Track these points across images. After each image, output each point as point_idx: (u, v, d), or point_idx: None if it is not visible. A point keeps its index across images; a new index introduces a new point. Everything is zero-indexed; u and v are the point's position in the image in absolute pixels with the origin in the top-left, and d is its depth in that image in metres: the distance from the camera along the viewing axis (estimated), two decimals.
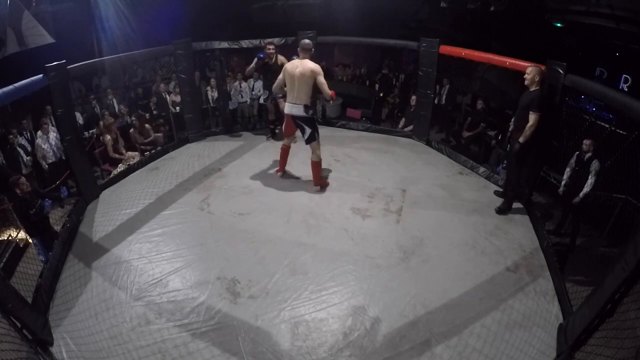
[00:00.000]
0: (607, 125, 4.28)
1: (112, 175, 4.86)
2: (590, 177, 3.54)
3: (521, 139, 3.69)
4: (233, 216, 3.92)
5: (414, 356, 2.50)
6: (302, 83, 3.90)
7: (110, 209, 4.13)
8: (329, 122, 6.43)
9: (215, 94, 6.51)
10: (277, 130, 5.81)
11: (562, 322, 2.71)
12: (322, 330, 2.66)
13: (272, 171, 4.80)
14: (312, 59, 3.96)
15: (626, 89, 5.82)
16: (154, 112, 6.47)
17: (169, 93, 6.56)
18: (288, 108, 4.06)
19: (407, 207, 4.07)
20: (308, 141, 4.14)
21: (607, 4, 5.44)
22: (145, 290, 3.01)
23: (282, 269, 3.20)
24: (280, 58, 5.08)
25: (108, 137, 5.37)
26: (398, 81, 7.58)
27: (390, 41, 5.89)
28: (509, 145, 4.07)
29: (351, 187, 4.44)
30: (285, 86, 4.09)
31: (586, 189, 3.54)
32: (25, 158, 4.81)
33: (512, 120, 4.12)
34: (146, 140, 5.75)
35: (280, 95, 5.18)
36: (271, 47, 5.06)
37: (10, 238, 3.87)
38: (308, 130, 4.08)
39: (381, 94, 7.22)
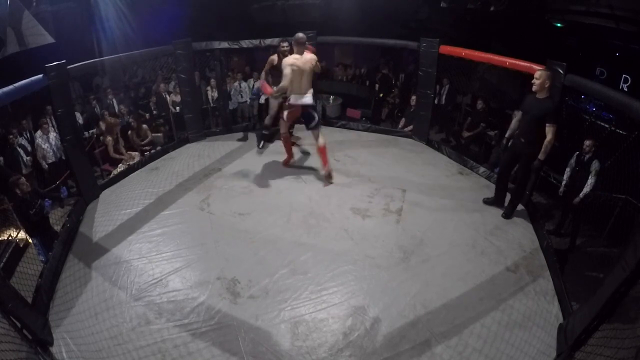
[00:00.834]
0: (607, 125, 4.29)
1: (112, 175, 4.86)
2: (590, 177, 3.54)
3: (542, 156, 3.46)
4: (233, 216, 3.92)
5: (414, 356, 2.50)
6: (309, 75, 4.15)
7: (110, 209, 4.13)
8: (329, 122, 6.42)
9: (215, 94, 6.52)
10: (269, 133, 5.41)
11: (562, 322, 2.70)
12: (322, 330, 2.66)
13: (272, 171, 4.79)
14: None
15: (626, 89, 5.82)
16: (154, 112, 6.48)
17: (169, 93, 6.57)
18: (300, 99, 4.20)
19: (407, 207, 4.07)
20: (317, 126, 4.35)
21: (607, 4, 5.44)
22: (145, 290, 3.01)
23: (282, 269, 3.20)
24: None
25: (109, 137, 5.37)
26: (399, 81, 7.58)
27: (390, 41, 5.89)
28: (506, 154, 3.92)
29: (351, 187, 4.44)
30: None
31: (586, 189, 3.54)
32: (25, 158, 4.81)
33: (513, 127, 3.88)
34: (143, 143, 5.73)
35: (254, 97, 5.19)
36: (285, 44, 4.78)
37: (10, 238, 3.87)
38: (316, 116, 4.34)
39: (381, 94, 7.23)
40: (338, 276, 3.13)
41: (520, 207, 4.08)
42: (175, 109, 6.33)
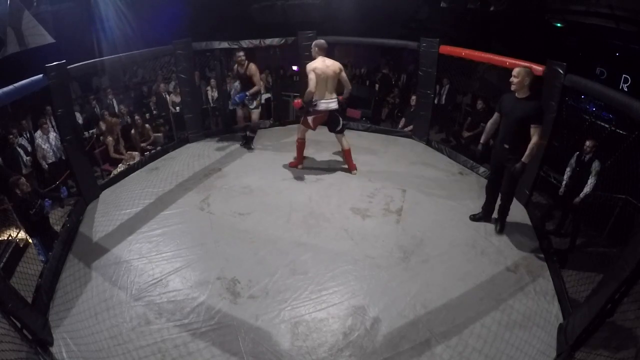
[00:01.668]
0: (607, 125, 4.29)
1: (112, 175, 4.85)
2: (591, 177, 3.53)
3: (526, 159, 3.18)
4: (233, 216, 3.92)
5: (414, 356, 2.50)
6: (334, 79, 4.24)
7: (110, 209, 4.13)
8: None
9: (215, 94, 6.52)
10: (250, 135, 5.55)
11: (562, 322, 2.71)
12: (322, 330, 2.66)
13: (271, 171, 4.79)
14: (310, 59, 4.18)
15: (626, 89, 5.82)
16: (154, 112, 6.48)
17: (169, 93, 6.56)
18: (327, 105, 4.27)
19: (407, 207, 4.07)
20: (342, 130, 4.52)
21: (607, 4, 5.44)
22: (145, 290, 3.01)
23: (282, 269, 3.20)
24: (252, 66, 5.00)
25: (109, 137, 5.37)
26: (400, 81, 7.59)
27: (390, 41, 5.89)
28: (493, 164, 3.60)
29: (351, 187, 4.44)
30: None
31: (587, 189, 3.53)
32: (25, 158, 4.81)
33: (488, 130, 3.58)
34: (145, 145, 5.71)
35: (254, 108, 5.18)
36: (240, 54, 5.00)
37: (10, 238, 3.87)
38: (342, 120, 4.50)
39: (380, 94, 7.23)
40: (338, 276, 3.13)
41: (520, 207, 4.08)
42: (175, 109, 6.33)
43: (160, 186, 4.52)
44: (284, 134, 5.90)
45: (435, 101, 5.81)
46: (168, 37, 5.34)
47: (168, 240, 3.58)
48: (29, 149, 4.93)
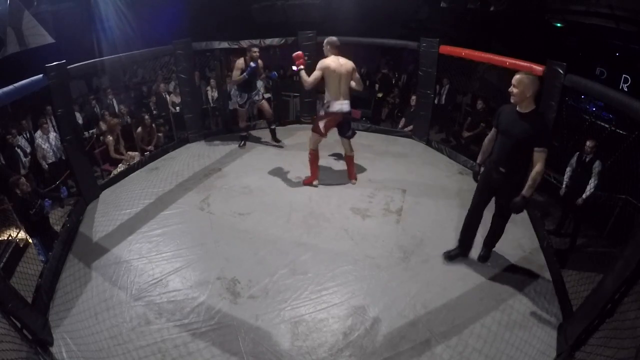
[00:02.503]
0: (607, 125, 4.29)
1: (112, 175, 4.85)
2: (592, 178, 3.52)
3: (527, 192, 2.59)
4: (233, 216, 3.92)
5: (414, 356, 2.50)
6: (347, 79, 3.96)
7: (110, 209, 4.13)
8: None
9: (215, 94, 6.52)
10: (248, 137, 5.67)
11: (562, 322, 2.71)
12: (322, 330, 2.66)
13: (272, 171, 4.79)
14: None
15: (626, 89, 5.83)
16: (154, 112, 6.48)
17: (169, 93, 6.57)
18: (340, 106, 4.01)
19: (407, 207, 4.07)
20: (352, 135, 4.28)
21: (607, 4, 5.45)
22: (145, 290, 3.01)
23: (282, 269, 3.20)
24: (260, 62, 5.05)
25: (110, 137, 5.37)
26: (400, 81, 7.59)
27: (390, 41, 5.89)
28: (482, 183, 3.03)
29: (351, 187, 4.44)
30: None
31: (589, 190, 3.52)
32: (24, 159, 4.81)
33: (485, 150, 3.00)
34: (148, 148, 5.68)
35: (258, 99, 5.19)
36: (255, 49, 4.96)
37: (10, 238, 3.87)
38: (352, 125, 4.28)
39: (380, 94, 7.23)
40: (338, 276, 3.13)
41: None
42: (175, 109, 6.33)
43: (160, 186, 4.52)
44: (284, 134, 5.90)
45: (435, 101, 5.81)
46: (168, 37, 5.34)
47: (168, 240, 3.58)
48: (29, 150, 4.93)
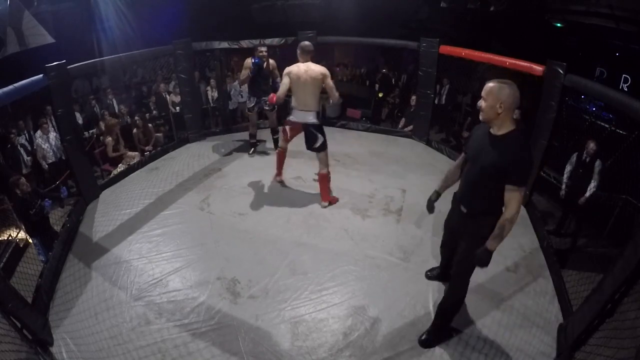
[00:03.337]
0: (607, 125, 4.29)
1: (112, 175, 4.85)
2: (594, 177, 3.52)
3: (491, 245, 2.04)
4: (233, 216, 3.92)
5: (414, 356, 2.50)
6: (313, 88, 3.62)
7: (110, 209, 4.13)
8: (329, 122, 6.41)
9: (215, 94, 6.52)
10: (258, 144, 5.46)
11: (562, 322, 2.71)
12: (322, 330, 2.66)
13: (272, 171, 4.78)
14: (312, 60, 3.66)
15: (626, 89, 5.83)
16: (154, 112, 6.48)
17: (169, 93, 6.57)
18: (299, 116, 3.74)
19: (407, 207, 4.07)
20: (320, 149, 3.82)
21: (607, 4, 5.45)
22: (145, 290, 3.01)
23: (282, 269, 3.20)
24: (271, 62, 4.84)
25: (109, 138, 5.37)
26: (400, 81, 7.59)
27: (390, 41, 5.89)
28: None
29: (351, 187, 4.44)
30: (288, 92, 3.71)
31: (591, 190, 3.51)
32: (26, 158, 4.82)
33: (449, 177, 2.46)
34: (146, 148, 5.68)
35: (268, 108, 4.90)
36: (264, 49, 4.73)
37: (10, 238, 3.87)
38: (320, 138, 3.78)
39: (380, 94, 7.23)
40: (338, 276, 3.13)
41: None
42: (175, 109, 6.33)
43: (160, 186, 4.52)
44: None
45: (435, 101, 5.82)
46: (168, 37, 5.34)
47: (168, 240, 3.58)
48: (29, 149, 4.93)
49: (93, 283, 3.11)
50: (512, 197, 1.92)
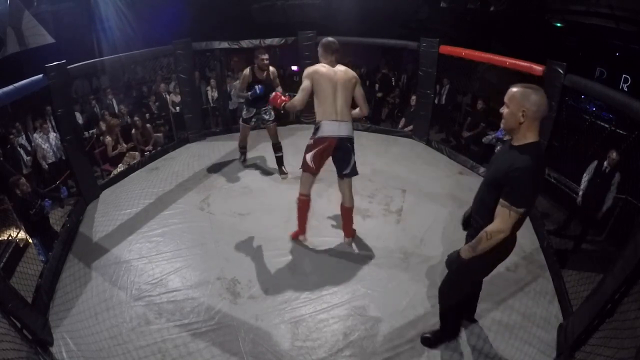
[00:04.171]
0: (607, 125, 4.29)
1: (112, 175, 4.85)
2: (611, 189, 3.50)
3: (465, 252, 1.92)
4: (233, 216, 3.92)
5: (414, 356, 2.50)
6: (346, 93, 2.90)
7: (110, 209, 4.13)
8: None
9: (215, 94, 6.52)
10: (247, 151, 5.00)
11: (562, 322, 2.70)
12: (322, 330, 2.66)
13: (272, 171, 4.79)
14: (337, 61, 2.97)
15: (626, 89, 5.83)
16: (154, 112, 6.48)
17: (169, 93, 6.57)
18: (333, 128, 2.88)
19: (407, 207, 4.07)
20: (352, 174, 3.06)
21: (607, 4, 5.45)
22: (145, 290, 3.01)
23: (282, 269, 3.20)
24: (272, 70, 4.36)
25: (109, 138, 5.37)
26: (400, 81, 7.59)
27: (390, 41, 5.89)
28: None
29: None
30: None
31: (608, 202, 3.49)
32: (25, 158, 4.82)
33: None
34: (146, 148, 5.68)
35: (268, 117, 4.46)
36: (265, 57, 4.21)
37: (10, 238, 3.87)
38: (354, 158, 3.02)
39: (380, 94, 7.23)
40: (338, 276, 3.13)
41: None
42: (175, 109, 6.33)
43: (160, 186, 4.52)
44: (284, 134, 5.89)
45: (435, 101, 5.81)
46: (168, 37, 5.34)
47: (168, 240, 3.58)
48: (29, 149, 4.94)
49: (93, 283, 3.11)
50: (501, 213, 1.73)
